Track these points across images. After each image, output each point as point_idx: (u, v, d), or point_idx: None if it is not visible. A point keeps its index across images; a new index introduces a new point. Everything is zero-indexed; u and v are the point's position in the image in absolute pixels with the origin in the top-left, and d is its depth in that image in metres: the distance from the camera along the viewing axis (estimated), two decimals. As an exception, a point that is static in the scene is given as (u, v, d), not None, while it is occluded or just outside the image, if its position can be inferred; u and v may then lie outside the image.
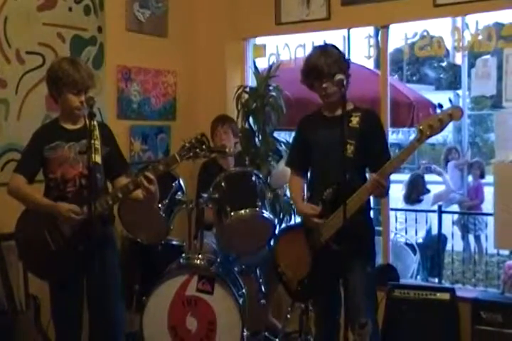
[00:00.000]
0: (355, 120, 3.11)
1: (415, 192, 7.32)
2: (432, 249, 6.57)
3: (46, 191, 3.22)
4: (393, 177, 3.13)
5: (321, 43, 3.41)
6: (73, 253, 3.05)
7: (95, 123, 3.21)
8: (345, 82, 2.90)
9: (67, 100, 3.14)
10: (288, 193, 3.55)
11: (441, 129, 2.75)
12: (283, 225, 4.69)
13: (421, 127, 2.75)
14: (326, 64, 3.06)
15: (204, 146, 3.08)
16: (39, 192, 3.21)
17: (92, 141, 3.06)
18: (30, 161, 3.20)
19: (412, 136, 2.96)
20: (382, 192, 2.97)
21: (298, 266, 3.18)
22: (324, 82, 3.07)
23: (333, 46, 3.27)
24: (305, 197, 3.37)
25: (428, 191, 7.50)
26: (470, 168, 8.39)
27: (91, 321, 3.28)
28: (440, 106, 2.89)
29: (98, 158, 3.15)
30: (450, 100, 2.98)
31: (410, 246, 6.30)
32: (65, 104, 3.16)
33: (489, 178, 5.60)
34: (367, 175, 3.21)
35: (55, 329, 3.28)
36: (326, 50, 3.17)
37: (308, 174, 3.36)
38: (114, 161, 3.29)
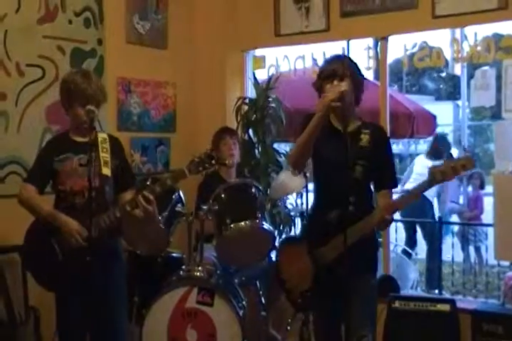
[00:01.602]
0: (365, 138, 2.95)
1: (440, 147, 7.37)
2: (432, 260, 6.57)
3: (56, 202, 3.21)
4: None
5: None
6: (80, 265, 3.03)
7: (105, 135, 3.24)
8: (351, 96, 2.86)
9: (77, 113, 3.13)
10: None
11: (453, 177, 2.72)
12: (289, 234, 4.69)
13: (434, 170, 2.71)
14: (342, 65, 2.92)
15: (213, 161, 3.08)
16: (48, 203, 3.19)
17: (102, 154, 3.10)
18: (40, 172, 3.20)
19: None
20: (387, 226, 2.97)
21: (300, 277, 3.11)
22: (336, 80, 2.89)
23: (350, 58, 3.16)
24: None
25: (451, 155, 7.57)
26: (470, 179, 8.40)
27: (94, 334, 3.26)
28: (464, 149, 2.90)
29: (107, 171, 3.15)
30: (464, 148, 2.99)
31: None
32: (75, 117, 3.16)
33: (489, 189, 5.60)
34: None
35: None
36: (341, 56, 3.13)
37: (313, 185, 3.21)
38: (122, 175, 3.28)
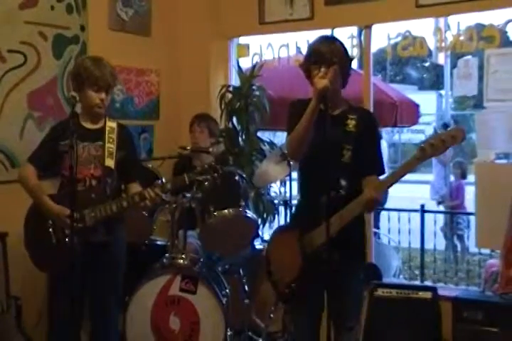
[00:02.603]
0: (351, 123, 2.93)
1: None
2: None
3: (60, 187, 3.22)
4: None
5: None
6: (72, 252, 2.96)
7: (114, 125, 3.24)
8: (338, 81, 2.85)
9: (88, 97, 3.14)
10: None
11: (444, 150, 2.65)
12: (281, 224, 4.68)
13: (423, 145, 2.64)
14: (330, 49, 2.86)
15: (216, 174, 3.09)
16: (49, 187, 3.20)
17: (107, 144, 3.13)
18: (43, 153, 3.21)
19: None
20: (376, 207, 2.90)
21: (288, 268, 3.04)
22: (323, 67, 2.80)
23: (338, 39, 3.07)
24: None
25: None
26: (452, 168, 8.49)
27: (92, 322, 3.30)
28: (446, 125, 2.82)
29: (110, 162, 3.16)
30: (445, 124, 2.81)
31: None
32: (86, 101, 3.16)
33: (471, 177, 5.65)
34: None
35: (49, 325, 3.23)
36: (331, 39, 3.02)
37: (298, 171, 3.15)
38: (128, 166, 3.26)
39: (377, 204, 2.84)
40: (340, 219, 2.80)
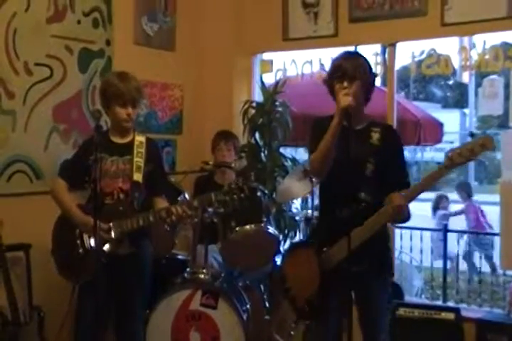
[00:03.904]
0: (375, 136, 2.93)
1: None
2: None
3: (89, 200, 3.22)
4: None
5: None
6: (97, 263, 2.98)
7: (143, 139, 3.27)
8: (360, 97, 2.84)
9: (115, 113, 3.18)
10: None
11: (473, 159, 2.66)
12: (294, 240, 4.66)
13: (450, 154, 2.66)
14: (352, 65, 2.85)
15: (242, 195, 3.08)
16: (73, 200, 3.23)
17: (136, 159, 3.16)
18: (73, 168, 3.26)
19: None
20: (404, 217, 2.83)
21: (306, 284, 3.00)
22: (345, 82, 2.82)
23: (362, 55, 3.07)
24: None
25: None
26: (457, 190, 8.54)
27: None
28: (472, 134, 2.83)
29: (139, 177, 3.18)
30: (472, 134, 2.78)
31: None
32: (113, 116, 3.21)
33: (495, 198, 5.57)
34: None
35: (74, 337, 3.23)
36: (354, 54, 3.02)
37: (318, 187, 3.13)
38: (154, 180, 3.27)
39: (406, 213, 2.80)
40: (363, 231, 2.80)
